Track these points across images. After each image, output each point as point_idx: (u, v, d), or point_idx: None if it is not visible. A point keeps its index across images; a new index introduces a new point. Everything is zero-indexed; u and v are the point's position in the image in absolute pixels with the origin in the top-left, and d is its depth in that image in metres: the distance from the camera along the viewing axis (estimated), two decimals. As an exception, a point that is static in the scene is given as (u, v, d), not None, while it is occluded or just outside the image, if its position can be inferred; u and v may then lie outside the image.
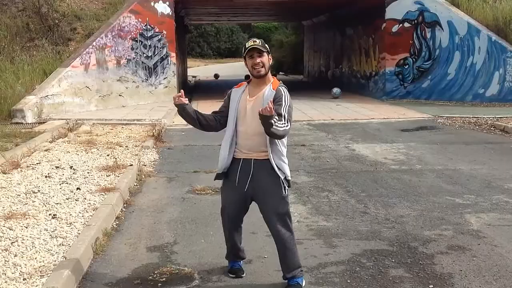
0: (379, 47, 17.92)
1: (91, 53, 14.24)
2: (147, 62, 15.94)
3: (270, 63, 3.87)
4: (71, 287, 3.95)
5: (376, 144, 9.96)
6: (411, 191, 6.64)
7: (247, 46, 3.81)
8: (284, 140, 3.87)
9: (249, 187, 3.88)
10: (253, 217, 4.53)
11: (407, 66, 17.14)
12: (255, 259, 4.49)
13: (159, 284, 4.09)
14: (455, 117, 13.02)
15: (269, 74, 3.91)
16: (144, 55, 15.81)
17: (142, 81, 15.84)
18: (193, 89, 23.12)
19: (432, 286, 4.00)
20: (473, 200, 6.23)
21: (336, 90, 18.00)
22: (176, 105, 3.92)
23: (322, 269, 4.35)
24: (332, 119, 13.14)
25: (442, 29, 16.42)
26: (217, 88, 22.57)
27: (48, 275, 3.96)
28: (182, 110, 3.91)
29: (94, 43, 14.33)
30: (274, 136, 3.67)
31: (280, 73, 32.20)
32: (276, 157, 3.83)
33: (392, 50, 17.20)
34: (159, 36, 16.17)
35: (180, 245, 4.90)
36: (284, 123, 3.70)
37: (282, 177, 3.85)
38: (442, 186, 6.89)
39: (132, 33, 15.40)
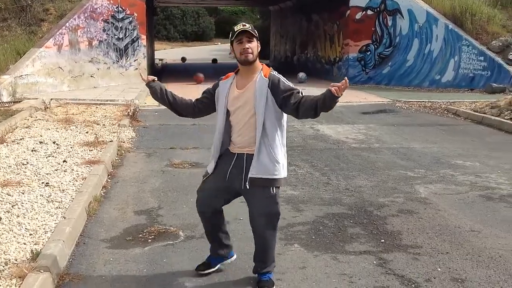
0: (343, 33, 18.66)
1: (64, 34, 14.52)
2: (118, 44, 16.27)
3: (259, 50, 3.59)
4: (73, 241, 4.52)
5: (339, 125, 10.70)
6: (369, 166, 7.37)
7: (235, 30, 3.53)
8: (284, 132, 3.75)
9: (237, 182, 3.63)
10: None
11: (369, 52, 17.94)
12: (232, 221, 5.10)
13: (149, 240, 4.68)
14: (412, 101, 13.90)
15: (258, 62, 3.62)
16: (116, 37, 16.13)
17: (113, 62, 16.18)
18: (160, 72, 23.47)
19: (383, 240, 4.72)
20: (423, 173, 7.00)
21: (302, 75, 18.71)
22: (148, 86, 3.80)
23: (290, 228, 5.02)
24: (298, 102, 13.79)
25: (403, 17, 17.27)
26: (185, 72, 23.01)
27: (52, 231, 4.50)
28: (154, 91, 3.77)
29: (67, 24, 14.61)
30: (324, 112, 3.49)
31: (247, 57, 32.67)
32: (266, 154, 3.57)
33: (355, 37, 17.96)
34: (130, 18, 16.51)
35: (164, 210, 5.49)
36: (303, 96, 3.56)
37: (270, 178, 3.59)
38: (397, 161, 7.65)
39: (104, 15, 15.70)
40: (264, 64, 3.70)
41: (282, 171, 3.67)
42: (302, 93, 3.58)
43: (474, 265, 4.20)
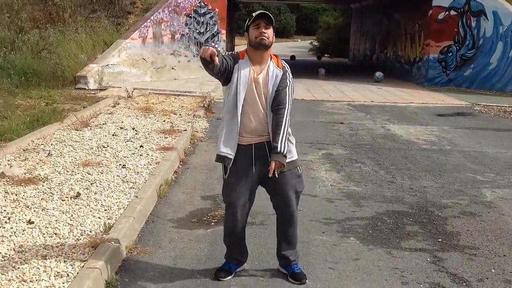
0: (424, 33, 18.27)
1: (149, 26, 15.21)
2: (199, 38, 16.80)
3: (273, 40, 3.59)
4: (143, 219, 4.88)
5: (411, 126, 10.59)
6: (437, 168, 7.31)
7: (254, 15, 3.53)
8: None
9: (264, 170, 3.60)
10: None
11: (451, 53, 17.47)
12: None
13: (212, 223, 4.97)
14: (491, 105, 13.46)
15: (270, 50, 3.62)
16: (197, 31, 16.67)
17: (194, 56, 16.70)
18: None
19: (440, 240, 4.75)
20: (492, 178, 6.87)
21: (378, 74, 18.52)
22: (203, 58, 3.30)
23: (348, 222, 5.15)
24: (372, 101, 13.75)
25: (487, 19, 16.69)
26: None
27: (124, 208, 4.88)
28: (208, 64, 3.32)
29: (152, 18, 15.28)
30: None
31: (325, 55, 32.71)
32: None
33: (437, 37, 17.53)
34: (212, 14, 16.98)
35: (229, 196, 5.76)
36: (288, 110, 3.61)
37: (290, 160, 3.67)
38: (466, 165, 7.53)
39: (187, 9, 16.27)
40: (272, 53, 3.67)
41: (295, 152, 3.80)
42: (288, 106, 3.61)
43: (531, 270, 4.17)
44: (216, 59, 3.29)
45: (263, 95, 3.61)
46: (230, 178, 3.69)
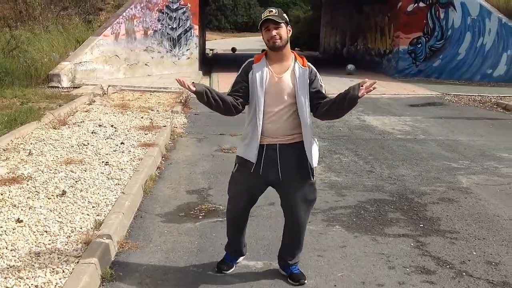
0: (394, 25, 18.57)
1: (121, 23, 15.11)
2: (172, 34, 16.77)
3: (290, 35, 3.49)
4: (131, 214, 4.92)
5: (385, 116, 10.82)
6: (413, 156, 7.52)
7: (262, 18, 3.45)
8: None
9: (272, 174, 3.55)
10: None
11: (420, 45, 17.81)
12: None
13: (200, 217, 5.04)
14: (461, 95, 13.80)
15: (288, 47, 3.53)
16: (170, 26, 16.64)
17: (167, 51, 16.69)
18: (211, 62, 23.93)
19: (422, 225, 4.92)
20: (467, 164, 7.10)
21: (350, 66, 18.76)
22: (194, 93, 3.42)
23: (333, 211, 5.28)
24: (346, 93, 13.92)
25: (455, 10, 17.07)
26: (235, 61, 23.31)
27: (112, 204, 4.92)
28: (202, 97, 3.42)
29: (124, 14, 15.19)
30: (342, 115, 3.57)
31: (296, 48, 32.90)
32: (308, 141, 3.54)
33: (407, 29, 17.84)
34: (184, 9, 16.96)
35: (214, 190, 5.84)
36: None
37: (313, 165, 3.59)
38: (441, 153, 7.76)
39: (159, 5, 16.21)
40: (296, 53, 3.61)
41: (317, 156, 3.69)
42: (325, 91, 3.60)
43: (509, 251, 4.36)
44: (191, 87, 3.34)
45: (288, 95, 3.48)
46: (238, 172, 3.68)
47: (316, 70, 3.58)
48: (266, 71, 3.49)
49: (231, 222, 3.90)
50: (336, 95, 3.46)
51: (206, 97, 3.42)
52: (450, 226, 4.90)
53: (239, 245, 3.98)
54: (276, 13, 3.41)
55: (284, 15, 3.47)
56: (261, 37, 3.54)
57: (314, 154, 3.62)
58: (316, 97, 3.52)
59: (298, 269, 3.87)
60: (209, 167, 6.76)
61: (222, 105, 3.49)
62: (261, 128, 3.49)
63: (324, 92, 3.57)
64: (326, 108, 3.48)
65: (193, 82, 3.42)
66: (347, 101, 3.35)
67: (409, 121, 10.31)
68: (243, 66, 3.61)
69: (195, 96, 3.45)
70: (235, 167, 3.72)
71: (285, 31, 3.42)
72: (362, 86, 3.30)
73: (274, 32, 3.38)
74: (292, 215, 3.72)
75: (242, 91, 3.54)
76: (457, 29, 17.14)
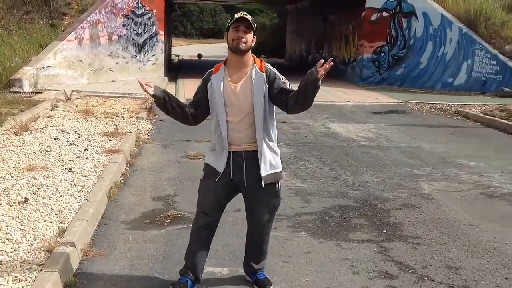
0: (358, 34, 18.88)
1: (85, 28, 14.92)
2: (137, 39, 16.65)
3: (253, 45, 3.44)
4: (95, 221, 4.86)
5: (350, 124, 10.97)
6: (377, 163, 7.64)
7: (236, 16, 3.38)
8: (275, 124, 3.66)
9: (239, 180, 3.54)
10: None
11: (383, 54, 18.15)
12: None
13: (166, 224, 5.01)
14: (423, 103, 14.12)
15: (250, 54, 3.49)
16: (135, 32, 16.51)
17: (132, 57, 16.56)
18: (177, 68, 23.83)
19: (385, 231, 5.01)
20: (429, 171, 7.26)
21: (315, 73, 18.94)
22: (152, 96, 3.48)
23: (298, 217, 5.32)
24: (311, 101, 14.06)
25: (418, 20, 17.47)
26: (201, 68, 23.25)
27: (76, 211, 4.85)
28: (159, 101, 3.48)
29: (88, 18, 15.01)
30: (311, 102, 3.45)
31: (262, 55, 33.03)
32: (268, 150, 3.55)
33: (370, 38, 18.16)
34: (149, 14, 16.87)
35: (180, 197, 5.82)
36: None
37: (262, 174, 3.50)
38: (404, 160, 7.91)
39: (124, 10, 16.09)
40: (255, 56, 3.56)
41: (280, 163, 3.65)
42: (289, 85, 3.55)
43: (469, 255, 4.48)
44: (149, 90, 3.42)
45: (246, 104, 3.46)
46: (206, 179, 3.65)
47: (275, 70, 3.54)
48: (223, 82, 3.47)
49: (195, 233, 3.74)
50: (298, 85, 3.42)
51: (163, 101, 3.47)
52: (412, 232, 5.01)
53: (197, 268, 3.73)
54: (250, 18, 3.39)
55: (255, 25, 3.44)
56: (225, 36, 3.50)
57: (275, 162, 3.58)
58: (281, 94, 3.49)
59: (264, 275, 3.87)
60: (174, 174, 6.73)
61: (179, 113, 3.55)
62: (227, 139, 3.51)
63: (288, 87, 3.52)
64: (294, 100, 3.45)
65: (155, 86, 3.47)
66: (310, 86, 3.33)
67: (372, 128, 10.48)
68: (204, 76, 3.60)
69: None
70: (203, 174, 3.69)
71: (251, 38, 3.40)
72: (318, 68, 3.30)
73: (242, 34, 3.35)
74: (255, 220, 3.72)
75: (202, 102, 3.57)
76: (419, 38, 17.54)
